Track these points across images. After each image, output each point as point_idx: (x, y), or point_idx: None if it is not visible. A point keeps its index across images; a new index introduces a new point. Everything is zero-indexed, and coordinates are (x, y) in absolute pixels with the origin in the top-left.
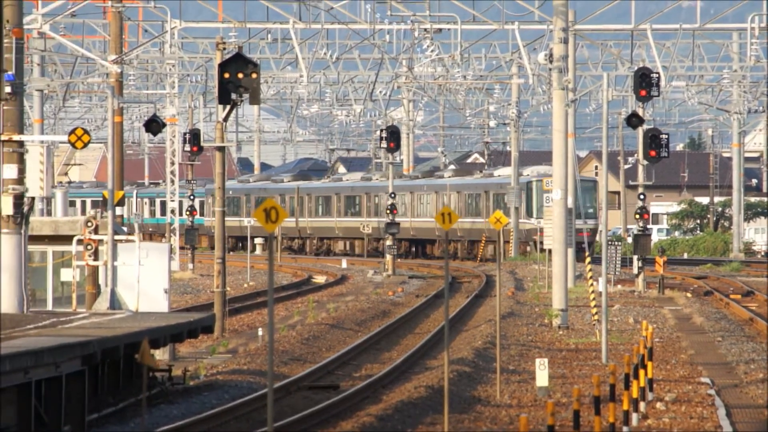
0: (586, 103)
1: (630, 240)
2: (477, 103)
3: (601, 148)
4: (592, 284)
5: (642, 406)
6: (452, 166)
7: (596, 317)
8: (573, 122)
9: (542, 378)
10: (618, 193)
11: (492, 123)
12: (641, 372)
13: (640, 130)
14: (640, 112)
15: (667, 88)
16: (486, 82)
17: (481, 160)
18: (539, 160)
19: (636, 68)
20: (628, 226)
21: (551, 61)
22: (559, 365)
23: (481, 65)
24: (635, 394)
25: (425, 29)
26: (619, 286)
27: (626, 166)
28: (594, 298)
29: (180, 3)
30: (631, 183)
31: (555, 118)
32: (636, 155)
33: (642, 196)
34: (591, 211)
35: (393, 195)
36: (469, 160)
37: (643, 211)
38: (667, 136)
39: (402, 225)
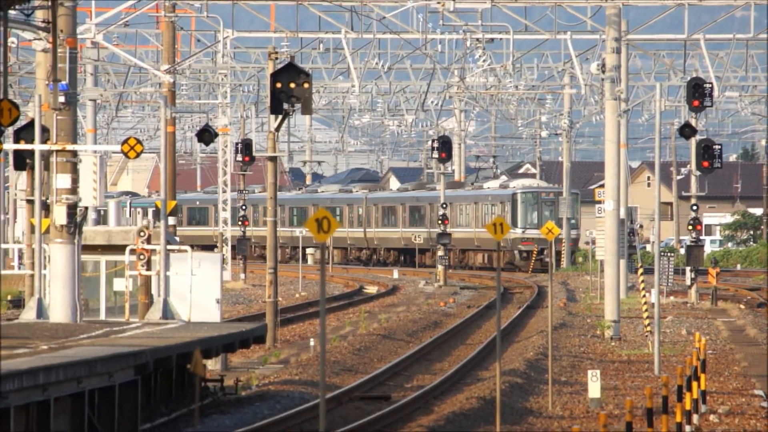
0: (638, 113)
1: (683, 251)
2: (529, 113)
3: (653, 158)
4: (644, 295)
5: (695, 418)
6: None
7: (648, 329)
8: (625, 132)
9: (594, 389)
10: (671, 204)
11: (544, 133)
12: (694, 384)
13: (693, 141)
14: (693, 122)
15: (720, 99)
16: (538, 92)
17: (533, 170)
18: (591, 170)
19: (689, 78)
20: (681, 237)
21: (604, 71)
22: (612, 377)
23: (533, 75)
24: (688, 406)
25: (477, 39)
26: (671, 298)
27: (679, 177)
28: (646, 310)
29: (233, 13)
30: (683, 194)
31: (607, 128)
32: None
33: (695, 207)
34: (573, 222)
35: (445, 205)
36: (521, 171)
37: (695, 222)
38: (720, 147)
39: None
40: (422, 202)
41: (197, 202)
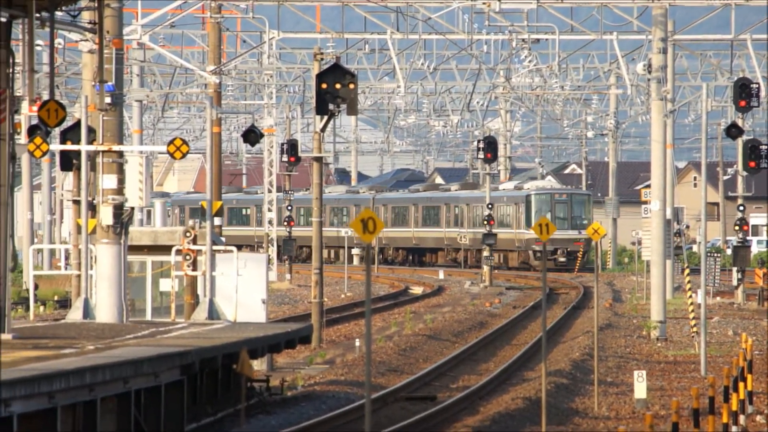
0: (684, 113)
1: (729, 252)
2: (575, 113)
3: (700, 158)
4: (690, 296)
5: (741, 419)
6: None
7: (695, 329)
8: (672, 133)
9: (640, 390)
10: (717, 204)
11: (590, 134)
12: (741, 385)
13: (740, 141)
14: (739, 122)
15: (767, 99)
16: (584, 92)
17: (579, 170)
18: (637, 170)
19: (735, 78)
20: (728, 238)
21: (650, 72)
22: (658, 377)
23: (579, 75)
24: (735, 407)
25: (523, 39)
26: (718, 298)
27: (725, 177)
28: (693, 310)
29: (278, 13)
30: (730, 194)
31: (654, 128)
32: (735, 166)
33: (741, 208)
34: (585, 222)
35: (490, 206)
36: (567, 171)
37: (742, 223)
38: (766, 147)
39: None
40: (436, 202)
41: (234, 202)
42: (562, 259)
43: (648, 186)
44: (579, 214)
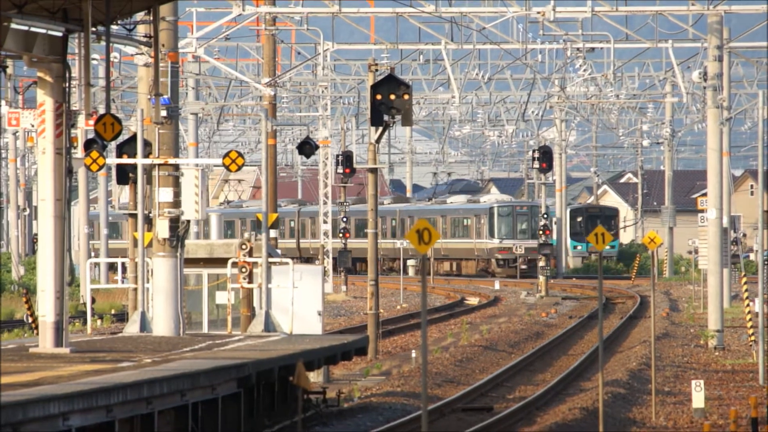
0: (741, 121)
1: None
2: (630, 122)
3: (756, 166)
4: (748, 305)
5: None
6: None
7: (753, 338)
8: (728, 141)
9: (698, 399)
10: None
11: (645, 142)
12: None
13: None
14: None
15: None
16: (639, 101)
17: (635, 179)
18: (693, 179)
19: None
20: None
21: (706, 80)
22: (716, 387)
23: (635, 84)
24: None
25: (578, 48)
26: None
27: None
28: (750, 319)
29: (332, 25)
30: None
31: (710, 136)
32: None
33: None
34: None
35: (546, 215)
36: (623, 180)
37: None
38: None
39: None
40: (423, 214)
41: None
42: (524, 267)
43: (704, 194)
44: (537, 226)
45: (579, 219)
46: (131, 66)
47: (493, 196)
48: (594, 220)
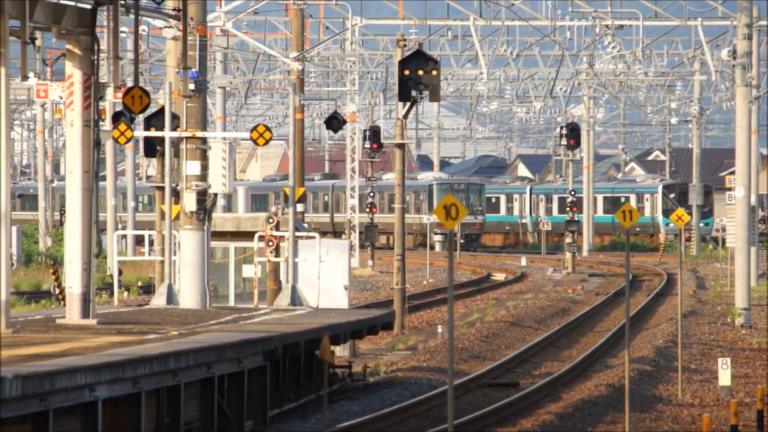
0: None
1: None
2: (658, 100)
3: None
4: None
5: None
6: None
7: None
8: (756, 119)
9: (725, 377)
10: None
11: (673, 120)
12: None
13: None
14: None
15: None
16: (668, 78)
17: (663, 157)
18: (721, 157)
19: None
20: None
21: (735, 58)
22: (742, 365)
23: (663, 62)
24: None
25: (606, 26)
26: None
27: None
28: None
29: (361, 1)
30: None
31: (738, 115)
32: None
33: None
34: (480, 209)
35: (573, 192)
36: (650, 158)
37: None
38: None
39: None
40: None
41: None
42: (462, 241)
43: (732, 172)
44: (474, 202)
45: (672, 195)
46: (160, 39)
47: (431, 174)
48: (686, 196)
